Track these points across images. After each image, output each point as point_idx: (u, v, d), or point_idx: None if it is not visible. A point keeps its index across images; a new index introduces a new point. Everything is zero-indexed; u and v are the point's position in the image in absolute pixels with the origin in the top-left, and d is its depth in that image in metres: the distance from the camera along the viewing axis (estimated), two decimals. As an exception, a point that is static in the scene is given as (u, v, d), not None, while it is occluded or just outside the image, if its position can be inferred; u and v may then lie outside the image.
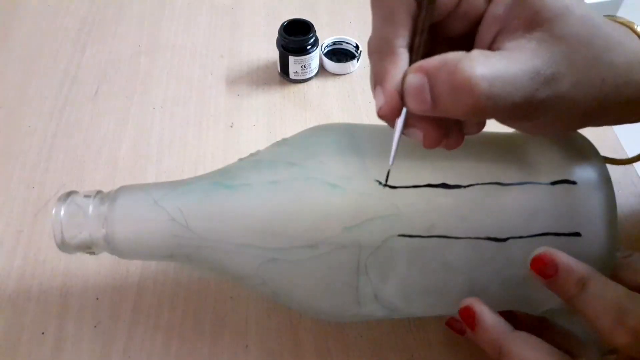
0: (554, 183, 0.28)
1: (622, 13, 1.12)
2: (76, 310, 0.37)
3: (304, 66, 0.51)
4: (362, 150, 0.29)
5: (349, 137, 0.30)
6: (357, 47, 0.54)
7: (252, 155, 0.32)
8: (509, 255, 0.28)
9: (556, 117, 0.24)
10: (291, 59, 0.50)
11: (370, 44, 0.26)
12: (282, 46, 0.50)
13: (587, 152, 0.29)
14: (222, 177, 0.30)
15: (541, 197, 0.28)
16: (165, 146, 0.47)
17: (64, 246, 0.30)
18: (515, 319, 0.31)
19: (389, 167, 0.26)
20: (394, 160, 0.26)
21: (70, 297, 0.37)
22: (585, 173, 0.28)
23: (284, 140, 0.32)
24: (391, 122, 0.26)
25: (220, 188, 0.29)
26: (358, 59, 0.53)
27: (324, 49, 0.54)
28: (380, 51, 0.25)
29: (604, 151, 0.30)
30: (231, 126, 0.49)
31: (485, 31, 0.25)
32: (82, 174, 0.45)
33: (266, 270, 0.29)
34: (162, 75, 0.53)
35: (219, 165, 0.45)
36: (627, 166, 0.42)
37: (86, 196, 0.30)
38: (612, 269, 0.28)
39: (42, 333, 0.36)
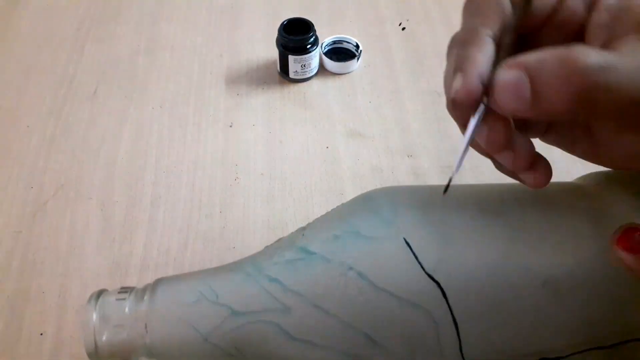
0: None
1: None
2: (75, 312, 0.37)
3: (304, 65, 0.51)
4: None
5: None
6: (357, 46, 0.53)
7: (294, 248, 0.27)
8: None
9: None
10: (291, 58, 0.50)
11: (454, 38, 0.25)
12: (282, 45, 0.50)
13: None
14: (281, 318, 0.26)
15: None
16: (164, 146, 0.47)
17: (98, 355, 0.27)
18: None
19: (451, 176, 0.24)
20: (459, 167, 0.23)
21: (69, 298, 0.37)
22: None
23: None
24: (458, 114, 0.24)
25: (279, 333, 0.26)
26: (358, 58, 0.53)
27: (324, 48, 0.53)
28: (464, 40, 0.24)
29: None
30: (230, 126, 0.48)
31: (593, 40, 0.24)
32: (81, 174, 0.44)
33: None
34: (161, 74, 0.53)
35: (218, 165, 0.45)
36: None
37: (120, 293, 0.28)
38: None
39: (41, 334, 0.36)
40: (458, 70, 0.23)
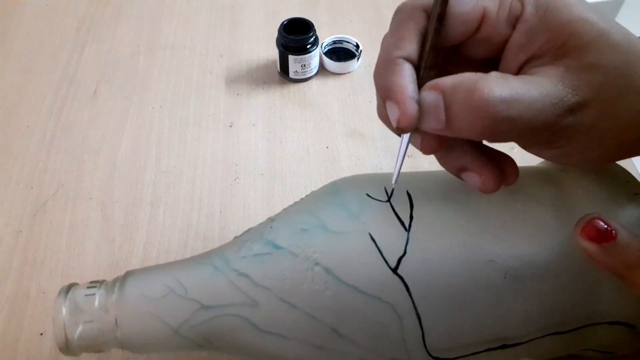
0: (612, 323, 0.26)
1: (623, 13, 1.11)
2: (75, 311, 0.37)
3: (304, 65, 0.51)
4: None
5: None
6: (357, 46, 0.53)
7: (256, 236, 0.28)
8: None
9: (585, 146, 0.23)
10: (291, 58, 0.50)
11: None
12: (282, 45, 0.50)
13: None
14: (249, 311, 0.26)
15: (595, 336, 0.27)
16: (164, 146, 0.47)
17: (69, 348, 0.27)
18: None
19: (392, 186, 0.25)
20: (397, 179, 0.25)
21: (69, 298, 0.37)
22: None
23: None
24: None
25: (248, 326, 0.26)
26: (358, 58, 0.53)
27: (324, 48, 0.53)
28: (380, 63, 0.24)
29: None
30: (230, 126, 0.48)
31: (511, 59, 0.24)
32: (81, 174, 0.44)
33: None
34: (161, 74, 0.53)
35: (218, 165, 0.45)
36: None
37: (89, 287, 0.28)
38: None
39: (41, 334, 0.36)
40: (387, 99, 0.23)
